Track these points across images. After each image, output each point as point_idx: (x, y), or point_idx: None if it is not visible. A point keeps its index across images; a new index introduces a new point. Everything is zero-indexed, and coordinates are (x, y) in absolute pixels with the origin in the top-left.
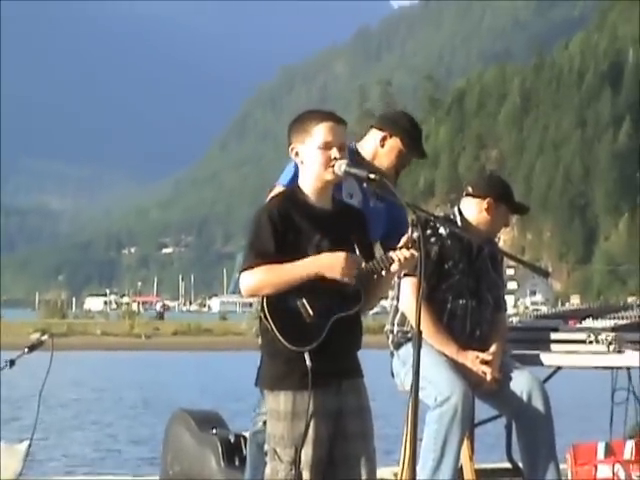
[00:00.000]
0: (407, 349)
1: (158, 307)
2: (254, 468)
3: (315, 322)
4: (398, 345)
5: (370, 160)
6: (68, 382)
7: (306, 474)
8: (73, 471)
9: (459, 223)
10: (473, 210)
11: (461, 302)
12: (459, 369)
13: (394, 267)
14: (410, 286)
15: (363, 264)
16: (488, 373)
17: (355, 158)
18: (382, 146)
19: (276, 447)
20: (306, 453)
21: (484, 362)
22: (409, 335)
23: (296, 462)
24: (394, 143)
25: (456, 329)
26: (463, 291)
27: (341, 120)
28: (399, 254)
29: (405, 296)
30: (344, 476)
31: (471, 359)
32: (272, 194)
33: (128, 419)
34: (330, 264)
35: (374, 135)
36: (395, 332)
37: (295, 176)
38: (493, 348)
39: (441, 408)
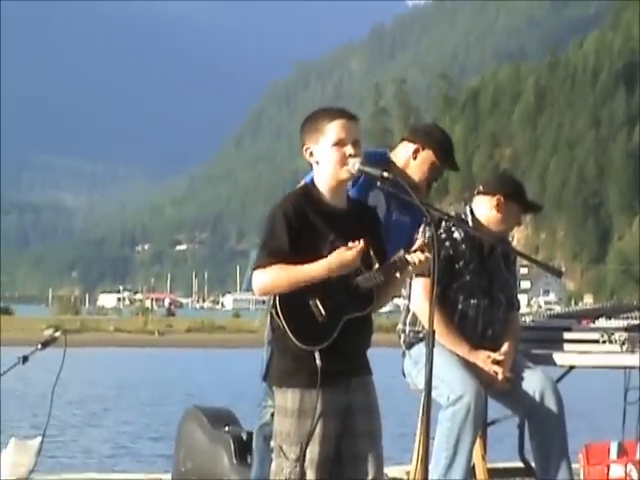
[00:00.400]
0: (419, 349)
1: (166, 304)
2: (261, 460)
3: (327, 321)
4: (410, 345)
5: None
6: (84, 379)
7: (310, 472)
8: (89, 468)
9: (470, 222)
10: (484, 208)
11: (473, 302)
12: (471, 368)
13: (408, 270)
14: (421, 286)
15: (377, 265)
16: (499, 373)
17: (391, 166)
18: (414, 158)
19: (282, 444)
20: (311, 451)
21: (495, 362)
22: (421, 335)
23: (301, 460)
24: (427, 155)
25: (468, 329)
26: (475, 291)
27: (353, 116)
28: (414, 257)
29: (416, 296)
30: (351, 474)
31: (482, 359)
32: None
33: (144, 416)
34: (338, 259)
35: (406, 147)
36: (407, 332)
37: None
38: (505, 348)
39: (454, 407)
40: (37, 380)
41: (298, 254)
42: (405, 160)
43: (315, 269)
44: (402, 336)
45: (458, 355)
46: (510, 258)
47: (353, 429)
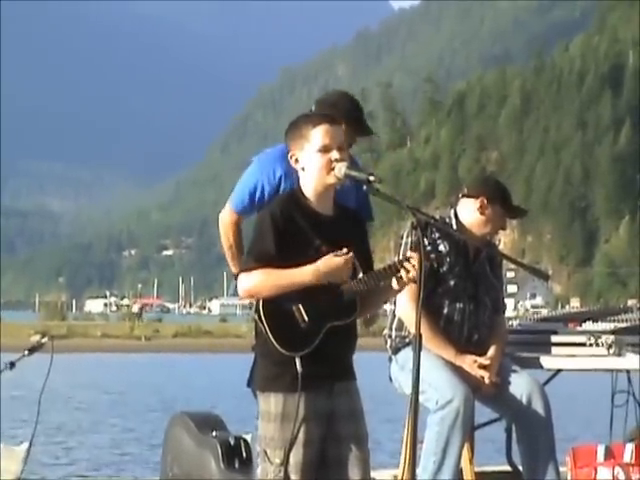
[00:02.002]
0: (405, 353)
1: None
2: None
3: (309, 327)
4: (396, 350)
5: None
6: (73, 385)
7: (294, 476)
8: (82, 473)
9: (454, 226)
10: (468, 210)
11: (458, 306)
12: (458, 372)
13: (412, 274)
14: (406, 291)
15: (360, 274)
16: (486, 377)
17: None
18: None
19: (266, 448)
20: (295, 455)
21: (482, 366)
22: (407, 340)
23: (285, 464)
24: None
25: (453, 333)
26: (460, 295)
27: (336, 120)
28: (408, 266)
29: (401, 301)
30: (337, 478)
31: (469, 363)
32: (224, 214)
33: (135, 422)
34: (326, 266)
35: None
36: (393, 337)
37: (253, 192)
38: (491, 352)
39: (443, 411)
40: (25, 386)
41: (284, 258)
42: None
43: (301, 274)
44: (388, 341)
45: (445, 359)
46: (496, 261)
47: (337, 434)
